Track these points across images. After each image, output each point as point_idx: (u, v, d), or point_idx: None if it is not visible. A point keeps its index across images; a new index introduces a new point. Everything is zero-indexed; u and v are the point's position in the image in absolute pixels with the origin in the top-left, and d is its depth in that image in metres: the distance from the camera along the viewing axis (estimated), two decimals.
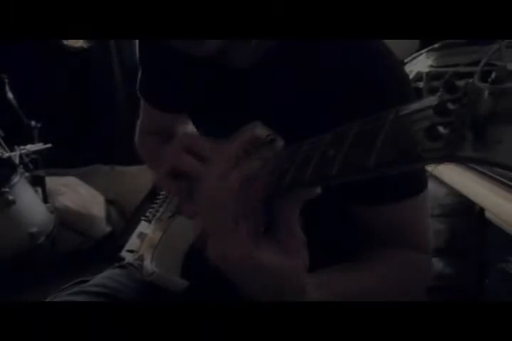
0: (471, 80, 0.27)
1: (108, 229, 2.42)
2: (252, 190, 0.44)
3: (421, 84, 1.98)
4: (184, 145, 0.56)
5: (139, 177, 2.30)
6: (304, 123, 0.62)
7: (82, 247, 2.33)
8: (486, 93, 0.25)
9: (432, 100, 0.29)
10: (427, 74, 1.93)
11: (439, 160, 0.26)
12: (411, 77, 2.00)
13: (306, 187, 0.43)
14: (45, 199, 2.18)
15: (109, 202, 2.53)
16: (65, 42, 0.62)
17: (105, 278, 0.82)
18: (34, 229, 1.94)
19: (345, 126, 0.38)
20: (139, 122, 0.97)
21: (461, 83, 0.27)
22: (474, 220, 1.38)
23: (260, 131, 0.65)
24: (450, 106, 0.26)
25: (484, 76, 0.26)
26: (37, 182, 2.14)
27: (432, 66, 1.87)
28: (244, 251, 0.43)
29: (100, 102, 2.53)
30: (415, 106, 0.31)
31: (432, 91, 1.99)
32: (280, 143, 0.67)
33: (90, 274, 0.84)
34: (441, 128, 0.25)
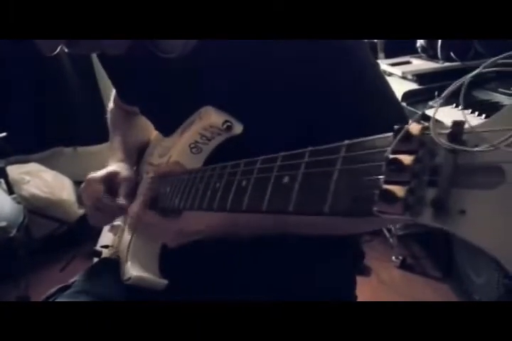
0: (426, 126, 0.23)
1: (80, 211, 2.37)
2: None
3: None
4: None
5: (103, 156, 2.23)
6: (250, 104, 0.61)
7: (57, 232, 2.30)
8: (444, 148, 0.22)
9: (385, 140, 0.26)
10: None
11: (398, 221, 0.23)
12: None
13: None
14: (10, 190, 2.10)
15: (78, 183, 2.46)
16: None
17: (88, 282, 0.78)
18: (3, 224, 1.88)
19: (295, 152, 0.34)
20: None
21: (415, 130, 0.23)
22: None
23: (216, 117, 0.63)
24: (405, 160, 0.23)
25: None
26: None
27: None
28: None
29: (54, 85, 2.40)
30: (368, 143, 0.27)
31: None
32: (238, 128, 0.65)
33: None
34: (397, 190, 0.22)
